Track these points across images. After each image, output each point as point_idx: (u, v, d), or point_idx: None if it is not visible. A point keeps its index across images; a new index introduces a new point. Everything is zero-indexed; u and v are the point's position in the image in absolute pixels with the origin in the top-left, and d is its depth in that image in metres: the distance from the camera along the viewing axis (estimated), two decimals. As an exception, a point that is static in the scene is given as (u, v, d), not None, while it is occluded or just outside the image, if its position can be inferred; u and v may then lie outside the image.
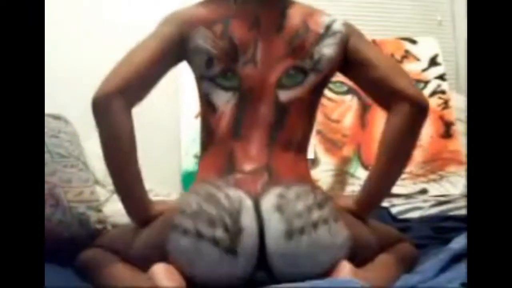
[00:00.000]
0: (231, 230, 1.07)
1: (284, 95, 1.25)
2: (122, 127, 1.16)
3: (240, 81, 1.25)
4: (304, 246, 1.09)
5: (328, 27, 1.29)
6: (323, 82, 1.31)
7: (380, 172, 1.28)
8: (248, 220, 1.08)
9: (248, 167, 1.20)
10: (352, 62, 1.30)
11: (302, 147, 1.29)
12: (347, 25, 1.32)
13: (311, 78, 1.27)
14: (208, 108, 1.27)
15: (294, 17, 1.28)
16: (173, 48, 1.25)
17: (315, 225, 1.10)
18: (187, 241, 1.08)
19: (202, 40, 1.24)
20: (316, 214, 1.11)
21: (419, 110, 1.23)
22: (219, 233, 1.07)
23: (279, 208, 1.10)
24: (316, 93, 1.30)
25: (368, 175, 1.33)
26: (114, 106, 1.14)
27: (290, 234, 1.08)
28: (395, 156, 1.26)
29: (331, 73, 1.31)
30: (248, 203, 1.10)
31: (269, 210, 1.10)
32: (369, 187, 1.30)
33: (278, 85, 1.25)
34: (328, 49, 1.27)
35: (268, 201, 1.11)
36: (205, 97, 1.28)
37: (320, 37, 1.27)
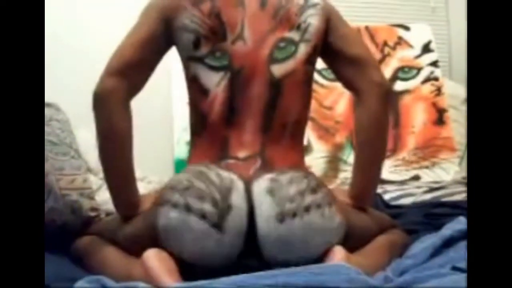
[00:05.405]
0: (219, 206, 1.07)
1: (278, 70, 1.23)
2: (119, 125, 1.17)
3: (230, 60, 1.22)
4: (296, 230, 1.08)
5: None
6: (314, 53, 1.28)
7: (362, 164, 1.29)
8: (238, 200, 1.08)
9: (241, 154, 1.19)
10: (331, 39, 1.29)
11: (297, 132, 1.27)
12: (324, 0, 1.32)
13: (302, 49, 1.25)
14: (198, 91, 1.24)
15: None
16: (159, 36, 1.23)
17: (307, 208, 1.09)
18: (176, 215, 1.07)
19: (189, 19, 1.22)
20: (309, 198, 1.10)
21: (388, 93, 1.28)
22: (208, 207, 1.06)
23: (271, 192, 1.10)
24: (309, 64, 1.28)
25: (352, 170, 1.32)
26: (113, 104, 1.16)
27: (281, 217, 1.08)
28: (372, 143, 1.27)
29: (319, 43, 1.29)
30: (239, 184, 1.10)
31: (260, 193, 1.10)
32: (355, 181, 1.30)
33: (271, 59, 1.23)
34: (312, 19, 1.27)
35: (260, 185, 1.11)
36: (194, 80, 1.24)
37: (302, 8, 1.27)
